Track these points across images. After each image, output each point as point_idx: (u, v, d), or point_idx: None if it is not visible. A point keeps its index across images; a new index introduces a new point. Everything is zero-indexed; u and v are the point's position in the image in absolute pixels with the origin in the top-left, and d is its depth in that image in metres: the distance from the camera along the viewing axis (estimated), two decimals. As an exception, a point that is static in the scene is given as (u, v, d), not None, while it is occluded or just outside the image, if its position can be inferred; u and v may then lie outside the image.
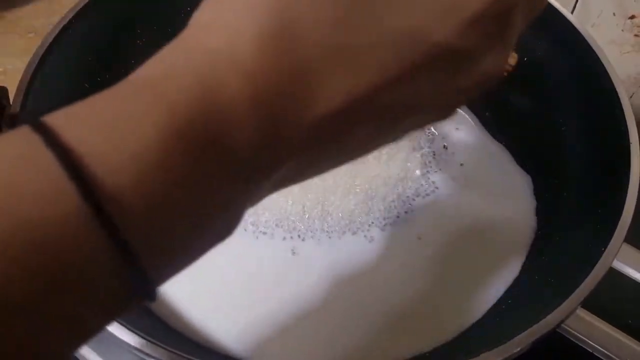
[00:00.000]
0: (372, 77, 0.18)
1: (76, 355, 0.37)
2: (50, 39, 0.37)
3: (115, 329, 0.28)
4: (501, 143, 0.45)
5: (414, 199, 0.41)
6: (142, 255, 0.15)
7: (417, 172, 0.42)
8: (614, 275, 0.33)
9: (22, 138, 0.15)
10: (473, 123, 0.46)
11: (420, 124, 0.23)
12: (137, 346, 0.28)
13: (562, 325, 0.30)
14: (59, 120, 0.15)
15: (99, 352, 0.37)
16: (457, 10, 0.19)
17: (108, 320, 0.17)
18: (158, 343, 0.28)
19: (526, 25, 0.22)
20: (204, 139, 0.16)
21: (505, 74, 0.23)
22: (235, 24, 0.17)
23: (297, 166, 0.19)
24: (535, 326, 0.29)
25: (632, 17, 0.48)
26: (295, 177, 0.20)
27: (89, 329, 0.16)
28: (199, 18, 0.18)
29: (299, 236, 0.39)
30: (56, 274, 0.14)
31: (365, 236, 0.39)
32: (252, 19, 0.17)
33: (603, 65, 0.38)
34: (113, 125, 0.15)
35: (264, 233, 0.39)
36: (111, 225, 0.15)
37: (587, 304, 0.32)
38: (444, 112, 0.23)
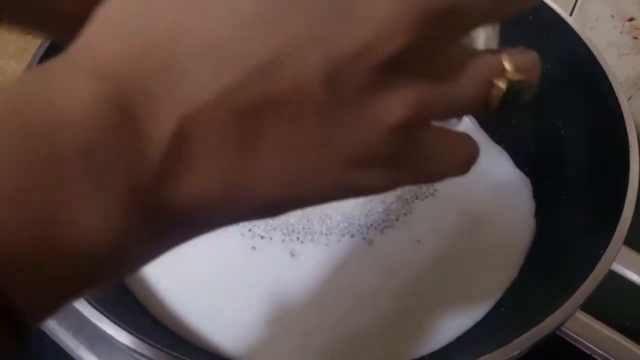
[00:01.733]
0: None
1: (72, 355, 0.37)
2: (49, 40, 0.37)
3: (112, 329, 0.28)
4: (500, 145, 0.44)
5: (412, 202, 0.41)
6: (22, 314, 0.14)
7: (416, 174, 0.42)
8: (613, 277, 0.33)
9: None
10: (472, 125, 0.46)
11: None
12: (135, 347, 0.28)
13: (562, 327, 0.30)
14: None
15: (95, 353, 0.37)
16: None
17: None
18: (154, 344, 0.28)
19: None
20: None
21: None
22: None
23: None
24: (534, 329, 0.29)
25: (631, 19, 0.48)
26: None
27: None
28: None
29: (297, 238, 0.39)
30: None
31: (364, 239, 0.39)
32: None
33: (602, 67, 0.38)
34: None
35: (262, 237, 0.39)
36: None
37: (587, 307, 0.32)
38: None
